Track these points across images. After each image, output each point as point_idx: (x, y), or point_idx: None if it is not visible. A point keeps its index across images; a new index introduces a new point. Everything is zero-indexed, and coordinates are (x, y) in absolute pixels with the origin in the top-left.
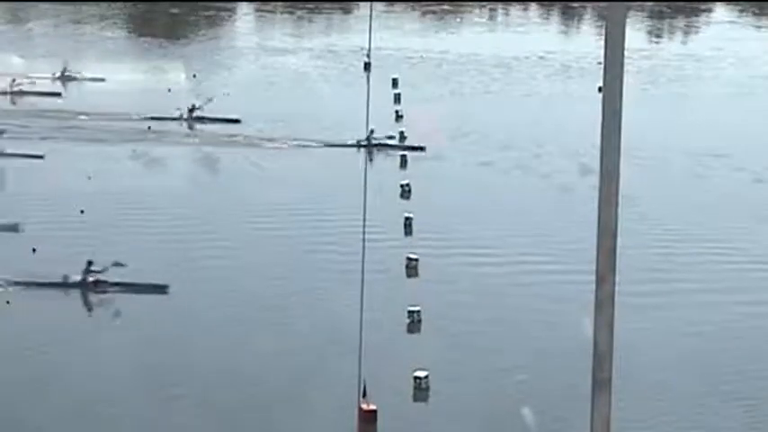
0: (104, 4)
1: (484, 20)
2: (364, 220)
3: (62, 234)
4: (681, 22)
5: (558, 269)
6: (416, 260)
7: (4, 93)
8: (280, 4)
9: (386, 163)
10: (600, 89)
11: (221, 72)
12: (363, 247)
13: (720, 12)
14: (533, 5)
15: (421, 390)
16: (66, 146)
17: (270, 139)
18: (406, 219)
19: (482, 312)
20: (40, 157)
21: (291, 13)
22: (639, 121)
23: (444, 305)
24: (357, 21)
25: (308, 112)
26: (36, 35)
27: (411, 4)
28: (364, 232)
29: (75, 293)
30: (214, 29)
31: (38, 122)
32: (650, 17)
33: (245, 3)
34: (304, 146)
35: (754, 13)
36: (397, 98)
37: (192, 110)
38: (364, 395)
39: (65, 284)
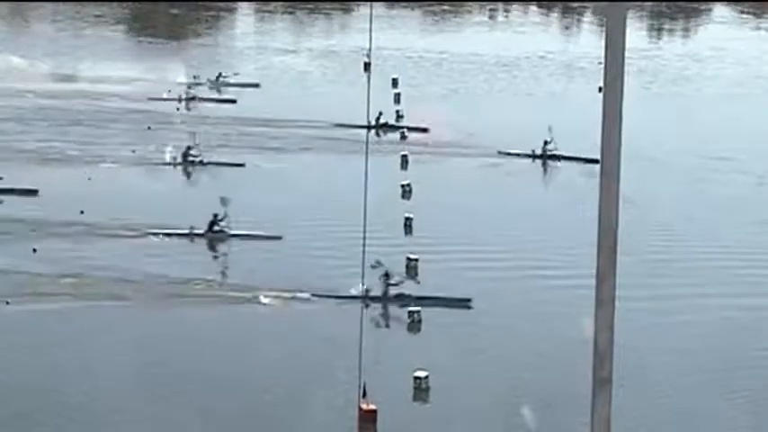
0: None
1: (484, 19)
2: (364, 220)
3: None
4: (681, 22)
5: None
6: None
7: (179, 99)
8: (280, 3)
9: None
10: (600, 89)
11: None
12: (363, 247)
13: (720, 12)
14: (533, 5)
15: (421, 390)
16: (269, 154)
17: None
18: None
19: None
20: (241, 165)
21: (291, 13)
22: (639, 121)
23: None
24: (357, 21)
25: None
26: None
27: (411, 4)
28: (364, 232)
29: (376, 306)
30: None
31: (221, 129)
32: (650, 17)
33: (246, 3)
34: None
35: (754, 14)
36: (397, 98)
37: (379, 118)
38: (364, 395)
39: (363, 298)
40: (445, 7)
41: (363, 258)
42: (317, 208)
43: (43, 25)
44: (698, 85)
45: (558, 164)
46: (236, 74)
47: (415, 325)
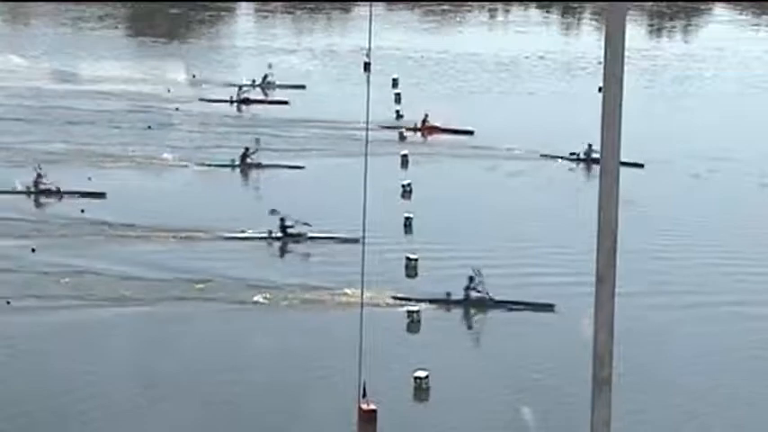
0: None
1: (484, 19)
2: (364, 222)
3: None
4: (681, 21)
5: None
6: None
7: (230, 101)
8: (280, 3)
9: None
10: (600, 89)
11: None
12: (363, 248)
13: (720, 12)
14: (533, 5)
15: (421, 390)
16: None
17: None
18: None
19: None
20: (301, 167)
21: (291, 13)
22: (639, 121)
23: None
24: (357, 21)
25: None
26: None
27: (411, 4)
28: (364, 232)
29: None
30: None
31: (276, 130)
32: (650, 17)
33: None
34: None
35: (754, 14)
36: (398, 98)
37: (426, 120)
38: (364, 395)
39: (446, 301)
40: (445, 7)
41: (363, 262)
42: (389, 209)
43: (43, 25)
44: (698, 86)
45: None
46: (266, 76)
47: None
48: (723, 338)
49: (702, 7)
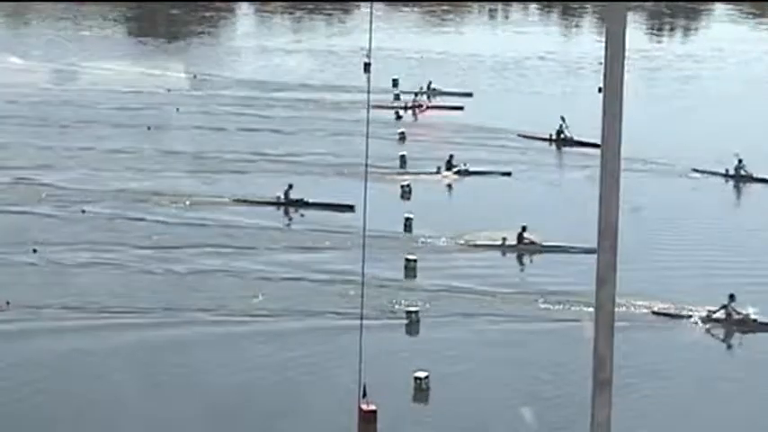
0: None
1: (484, 19)
2: (364, 224)
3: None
4: (681, 21)
5: None
6: None
7: (405, 107)
8: (280, 4)
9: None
10: (600, 90)
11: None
12: (363, 248)
13: (720, 12)
14: (533, 5)
15: (421, 390)
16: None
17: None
18: None
19: None
20: (508, 174)
21: (291, 13)
22: (639, 122)
23: None
24: (357, 21)
25: None
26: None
27: (411, 4)
28: (364, 233)
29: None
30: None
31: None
32: (650, 17)
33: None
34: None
35: (754, 14)
36: (398, 98)
37: (561, 131)
38: (364, 395)
39: (706, 319)
40: (445, 7)
41: (363, 269)
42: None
43: (43, 25)
44: (698, 86)
45: (752, 185)
46: (430, 83)
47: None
48: None
49: (702, 7)
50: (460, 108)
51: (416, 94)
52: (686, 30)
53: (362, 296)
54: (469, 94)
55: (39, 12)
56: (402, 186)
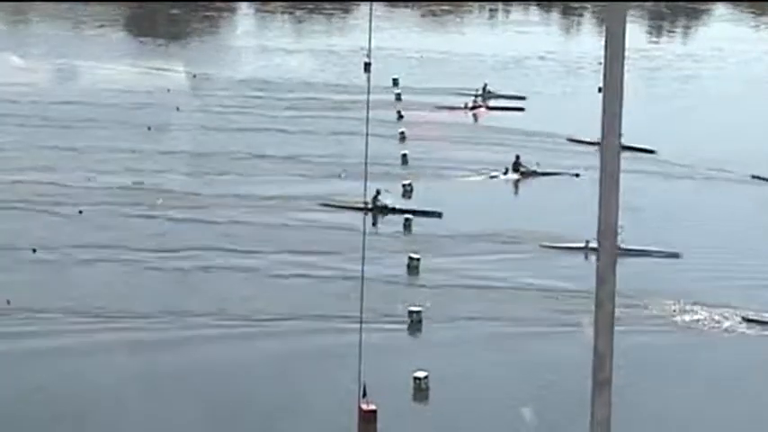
0: None
1: (485, 19)
2: (364, 225)
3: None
4: (681, 21)
5: None
6: None
7: (465, 107)
8: (280, 4)
9: None
10: (600, 89)
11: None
12: (363, 247)
13: (720, 12)
14: (533, 5)
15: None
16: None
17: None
18: None
19: None
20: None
21: (292, 13)
22: (639, 122)
23: None
24: (357, 20)
25: None
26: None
27: (411, 4)
28: (364, 234)
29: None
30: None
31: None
32: (650, 17)
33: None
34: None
35: (755, 14)
36: (398, 98)
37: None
38: (364, 395)
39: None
40: (445, 7)
41: (362, 280)
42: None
43: (44, 25)
44: (698, 86)
45: None
46: (485, 86)
47: None
48: None
49: (702, 7)
50: (521, 109)
51: (475, 97)
52: (686, 29)
53: (362, 297)
54: (522, 98)
55: (39, 11)
56: (403, 185)
